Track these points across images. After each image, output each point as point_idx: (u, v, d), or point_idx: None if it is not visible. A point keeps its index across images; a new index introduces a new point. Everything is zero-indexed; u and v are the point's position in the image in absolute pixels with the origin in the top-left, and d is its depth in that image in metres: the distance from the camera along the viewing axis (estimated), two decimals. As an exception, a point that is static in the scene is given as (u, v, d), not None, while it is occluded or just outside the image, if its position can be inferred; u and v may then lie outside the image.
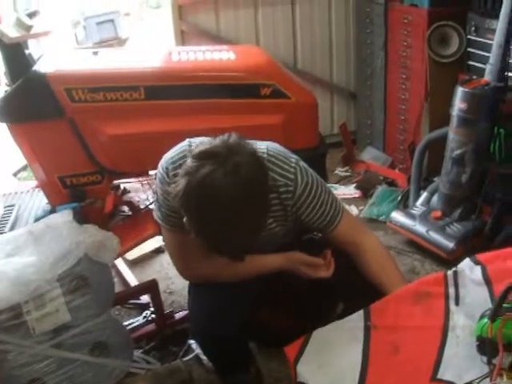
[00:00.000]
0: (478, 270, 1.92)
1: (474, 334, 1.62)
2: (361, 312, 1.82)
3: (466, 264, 1.96)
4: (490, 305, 1.68)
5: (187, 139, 1.96)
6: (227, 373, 2.35)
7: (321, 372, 1.64)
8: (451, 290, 1.88)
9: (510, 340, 1.51)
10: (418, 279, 2.01)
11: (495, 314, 1.55)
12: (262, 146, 1.92)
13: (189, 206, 1.65)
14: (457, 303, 1.83)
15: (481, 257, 1.97)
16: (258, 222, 1.72)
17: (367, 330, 1.75)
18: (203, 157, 1.64)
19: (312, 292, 2.22)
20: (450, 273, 1.95)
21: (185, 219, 1.70)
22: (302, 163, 1.96)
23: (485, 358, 1.55)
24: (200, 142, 1.80)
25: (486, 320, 1.57)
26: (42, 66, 2.62)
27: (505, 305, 1.57)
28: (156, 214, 2.06)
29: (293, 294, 2.34)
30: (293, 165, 1.92)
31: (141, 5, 8.72)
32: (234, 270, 2.06)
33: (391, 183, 4.29)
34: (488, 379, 1.48)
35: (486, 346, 1.55)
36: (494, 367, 1.48)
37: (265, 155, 1.90)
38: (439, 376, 1.58)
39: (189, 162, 1.67)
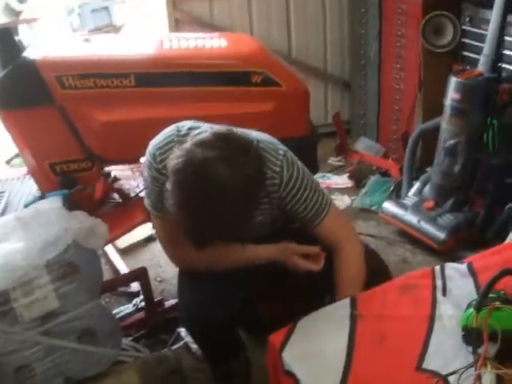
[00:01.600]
0: (464, 265, 1.96)
1: (460, 324, 1.63)
2: (347, 301, 1.82)
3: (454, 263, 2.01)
4: (475, 295, 1.69)
5: (175, 124, 1.94)
6: (217, 360, 2.34)
7: (306, 360, 1.63)
8: (438, 282, 1.89)
9: (495, 330, 1.51)
10: (405, 274, 2.02)
11: (481, 304, 1.56)
12: (250, 136, 1.91)
13: (182, 180, 1.65)
14: (444, 294, 1.84)
15: (469, 258, 2.05)
16: (245, 216, 1.73)
17: (353, 318, 1.75)
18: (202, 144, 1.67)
19: (300, 281, 2.21)
20: (437, 267, 1.97)
21: (169, 189, 1.69)
22: (290, 155, 1.94)
23: (470, 348, 1.56)
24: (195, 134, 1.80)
25: (471, 310, 1.57)
26: (32, 53, 2.60)
27: (490, 295, 1.58)
28: (146, 201, 2.05)
29: (282, 282, 2.33)
30: (280, 157, 1.89)
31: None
32: (225, 258, 2.05)
33: (384, 173, 4.28)
34: (473, 369, 1.48)
35: (471, 336, 1.56)
36: (479, 357, 1.49)
37: None
38: (424, 366, 1.57)
39: (188, 145, 1.69)
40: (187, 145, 1.69)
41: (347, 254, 2.02)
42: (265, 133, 1.99)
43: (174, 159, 1.67)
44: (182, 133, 1.89)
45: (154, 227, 2.23)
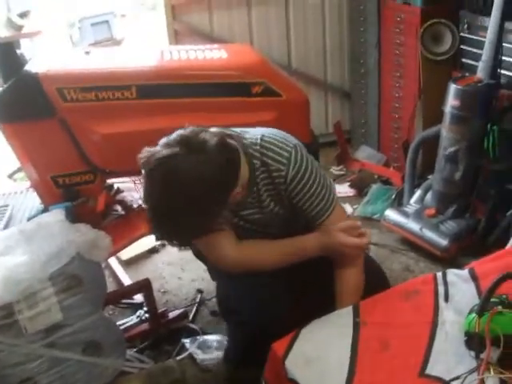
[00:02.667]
0: (465, 271, 1.97)
1: (462, 329, 1.63)
2: (349, 308, 1.83)
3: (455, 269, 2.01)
4: (477, 300, 1.69)
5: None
6: (249, 363, 2.18)
7: (309, 368, 1.64)
8: (440, 288, 1.90)
9: (497, 334, 1.51)
10: (407, 281, 2.02)
11: (483, 309, 1.56)
12: (257, 132, 1.95)
13: (144, 176, 1.72)
14: (446, 300, 1.84)
15: (470, 264, 2.05)
16: (204, 211, 1.75)
17: (356, 326, 1.76)
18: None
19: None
20: (439, 273, 1.98)
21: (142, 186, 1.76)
22: (300, 149, 1.94)
23: (473, 353, 1.56)
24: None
25: (473, 315, 1.58)
26: (34, 66, 2.62)
27: (492, 299, 1.58)
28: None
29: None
30: (289, 149, 1.91)
31: (137, 6, 8.72)
32: (268, 255, 2.03)
33: (386, 182, 4.28)
34: (476, 374, 1.49)
35: (473, 341, 1.56)
36: (482, 362, 1.49)
37: (258, 141, 1.92)
38: (427, 371, 1.58)
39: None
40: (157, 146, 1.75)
41: (349, 259, 2.01)
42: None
43: (141, 158, 1.73)
44: None
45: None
